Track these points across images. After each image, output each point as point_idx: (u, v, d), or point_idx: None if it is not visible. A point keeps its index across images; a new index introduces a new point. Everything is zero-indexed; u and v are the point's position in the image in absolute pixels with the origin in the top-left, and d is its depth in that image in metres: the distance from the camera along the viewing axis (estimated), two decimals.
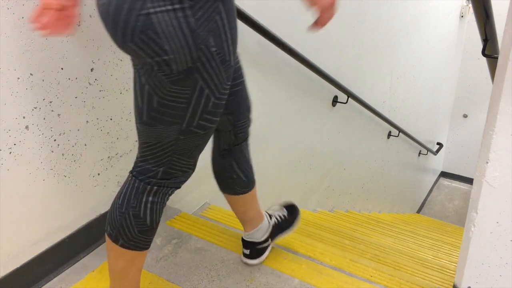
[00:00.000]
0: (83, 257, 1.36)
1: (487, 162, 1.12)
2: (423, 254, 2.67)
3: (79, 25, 1.14)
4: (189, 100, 0.86)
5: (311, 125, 2.58)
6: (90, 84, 1.23)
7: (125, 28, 0.77)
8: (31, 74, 1.07)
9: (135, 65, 0.87)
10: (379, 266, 1.51)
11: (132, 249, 1.00)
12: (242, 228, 1.36)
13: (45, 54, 1.09)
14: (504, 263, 1.19)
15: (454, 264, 2.48)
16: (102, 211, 1.41)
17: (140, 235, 0.99)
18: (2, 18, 0.98)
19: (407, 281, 1.43)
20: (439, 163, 6.83)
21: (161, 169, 0.96)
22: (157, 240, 1.46)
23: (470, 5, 3.49)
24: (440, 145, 6.12)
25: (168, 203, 1.14)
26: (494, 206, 1.15)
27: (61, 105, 1.17)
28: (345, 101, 2.74)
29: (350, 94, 2.67)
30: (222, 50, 0.83)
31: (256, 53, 1.90)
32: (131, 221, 0.97)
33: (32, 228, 1.21)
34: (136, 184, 0.97)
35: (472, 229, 1.19)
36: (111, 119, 1.33)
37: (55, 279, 1.27)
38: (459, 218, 5.86)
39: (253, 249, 1.34)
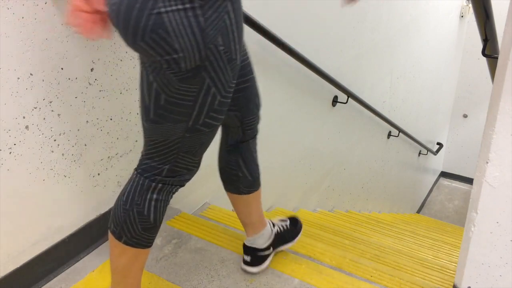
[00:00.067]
0: (83, 257, 1.36)
1: (487, 162, 1.12)
2: (423, 254, 2.67)
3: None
4: (196, 98, 0.87)
5: (311, 125, 2.58)
6: (90, 84, 1.23)
7: (136, 27, 0.78)
8: (31, 74, 1.07)
9: (143, 63, 0.88)
10: (379, 266, 1.51)
11: (135, 247, 1.00)
12: (242, 228, 1.36)
13: (45, 54, 1.09)
14: (504, 263, 1.19)
15: (454, 264, 2.48)
16: (102, 211, 1.41)
17: (144, 233, 1.00)
18: (2, 18, 0.98)
19: (407, 281, 1.43)
20: (439, 163, 6.83)
21: (167, 166, 0.97)
22: (157, 240, 1.46)
23: (470, 5, 3.49)
24: (440, 145, 6.12)
25: None
26: (494, 206, 1.15)
27: (61, 105, 1.17)
28: (345, 101, 2.74)
29: (350, 94, 2.66)
30: (229, 49, 0.84)
31: (256, 53, 1.90)
32: (135, 218, 0.98)
33: (32, 228, 1.21)
34: (141, 182, 0.98)
35: (472, 229, 1.19)
36: (111, 119, 1.33)
37: (55, 279, 1.27)
38: (459, 218, 5.86)
39: (254, 256, 1.32)
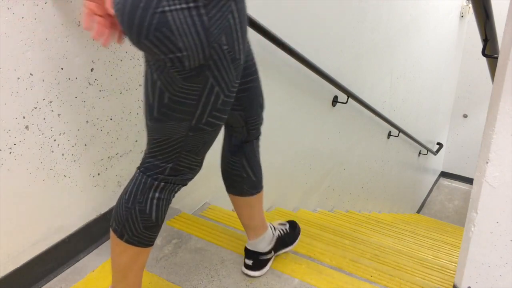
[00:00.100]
0: (83, 257, 1.36)
1: (487, 162, 1.12)
2: (423, 254, 2.67)
3: (78, 25, 1.14)
4: (199, 97, 0.87)
5: (311, 125, 2.58)
6: (90, 84, 1.23)
7: (140, 25, 0.78)
8: (31, 74, 1.07)
9: (147, 61, 0.89)
10: (379, 266, 1.51)
11: (136, 245, 1.01)
12: (242, 228, 1.36)
13: (45, 54, 1.09)
14: (504, 263, 1.19)
15: (454, 264, 2.48)
16: (102, 211, 1.41)
17: (145, 231, 1.00)
18: (2, 18, 0.98)
19: (407, 281, 1.43)
20: (439, 163, 6.83)
21: (169, 165, 0.97)
22: (157, 240, 1.46)
23: (470, 5, 3.49)
24: (440, 145, 6.12)
25: None
26: (494, 206, 1.15)
27: (61, 105, 1.17)
28: (345, 101, 2.74)
29: (350, 94, 2.67)
30: (233, 49, 0.85)
31: (256, 53, 1.90)
32: (137, 217, 0.98)
33: (32, 228, 1.21)
34: (143, 180, 0.98)
35: (472, 229, 1.19)
36: (111, 119, 1.33)
37: (55, 279, 1.27)
38: (459, 218, 5.86)
39: (256, 260, 1.32)
